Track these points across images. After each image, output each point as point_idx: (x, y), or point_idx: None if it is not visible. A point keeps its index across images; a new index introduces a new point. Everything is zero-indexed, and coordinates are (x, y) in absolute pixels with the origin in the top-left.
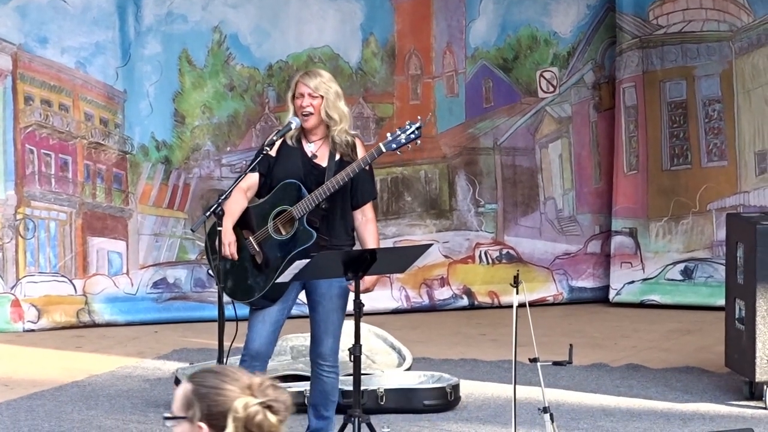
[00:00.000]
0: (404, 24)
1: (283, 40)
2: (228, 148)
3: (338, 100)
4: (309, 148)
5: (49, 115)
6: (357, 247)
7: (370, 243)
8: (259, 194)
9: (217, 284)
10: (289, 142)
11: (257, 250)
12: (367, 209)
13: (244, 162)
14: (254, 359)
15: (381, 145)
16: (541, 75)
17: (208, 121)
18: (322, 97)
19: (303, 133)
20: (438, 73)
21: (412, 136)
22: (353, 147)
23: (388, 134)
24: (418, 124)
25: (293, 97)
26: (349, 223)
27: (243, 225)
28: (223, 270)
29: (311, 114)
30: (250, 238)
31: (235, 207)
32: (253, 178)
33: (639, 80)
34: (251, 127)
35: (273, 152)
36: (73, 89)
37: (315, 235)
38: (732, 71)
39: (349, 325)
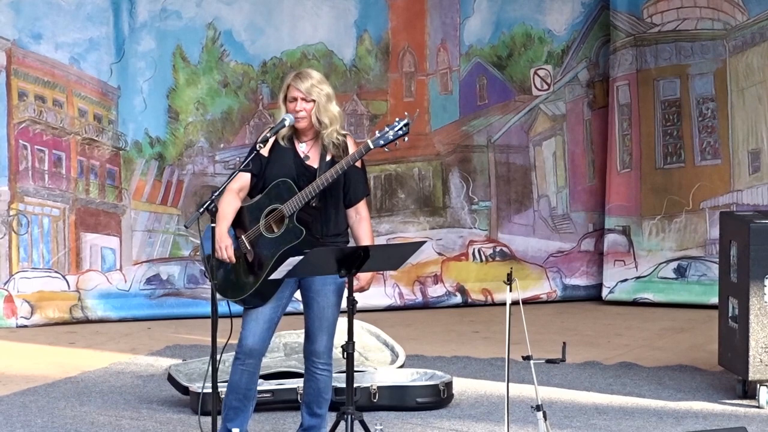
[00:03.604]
0: (398, 21)
1: (277, 37)
2: (222, 145)
3: (329, 103)
4: (301, 149)
5: (42, 110)
6: (351, 244)
7: (365, 241)
8: (250, 194)
9: (210, 281)
10: (281, 142)
11: (249, 248)
12: (361, 207)
13: (238, 159)
14: (248, 356)
15: (369, 141)
16: (536, 73)
17: (201, 117)
18: (314, 101)
19: (294, 132)
20: (432, 71)
21: (400, 132)
22: (345, 147)
23: (377, 131)
24: (405, 121)
25: (285, 99)
26: (341, 221)
27: (236, 224)
28: (216, 268)
29: (303, 117)
30: (242, 236)
31: (228, 209)
32: (245, 179)
33: (633, 78)
34: (245, 124)
35: (265, 152)
36: (67, 85)
37: (304, 232)
38: (726, 70)
39: (342, 322)
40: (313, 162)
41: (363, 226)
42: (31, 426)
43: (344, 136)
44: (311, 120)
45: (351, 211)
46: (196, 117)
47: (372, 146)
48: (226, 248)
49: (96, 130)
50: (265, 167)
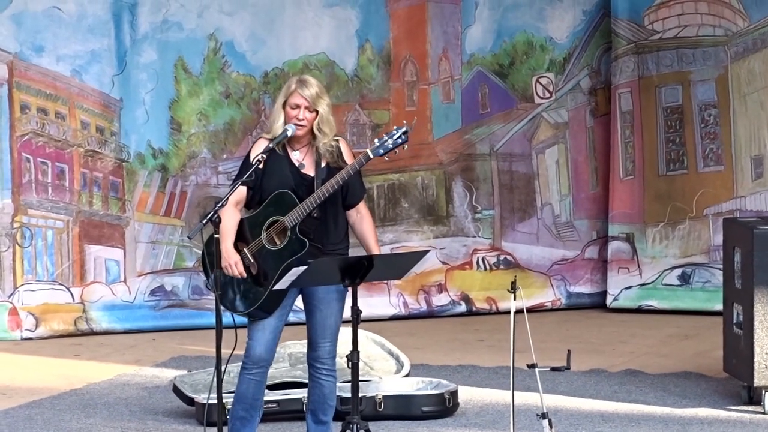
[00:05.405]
0: (400, 30)
1: (279, 47)
2: (224, 156)
3: (330, 114)
4: (295, 156)
5: (45, 123)
6: (353, 249)
7: (369, 237)
8: (247, 206)
9: (214, 292)
10: (276, 149)
11: (252, 261)
12: (360, 206)
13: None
14: (256, 365)
15: (368, 151)
16: (537, 81)
17: (204, 128)
18: (317, 111)
19: (287, 139)
20: (434, 80)
21: (399, 141)
22: (338, 152)
23: (376, 140)
24: (404, 129)
25: (285, 104)
26: (342, 227)
27: (237, 237)
28: (220, 281)
29: (304, 126)
30: (245, 249)
31: (230, 224)
32: (241, 192)
33: (635, 85)
34: (247, 135)
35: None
36: (69, 97)
37: (307, 243)
38: (728, 76)
39: (346, 331)
40: (309, 170)
41: (365, 223)
42: None
43: (337, 140)
44: (310, 128)
45: (352, 212)
46: (199, 128)
47: (371, 155)
48: (235, 264)
49: (98, 142)
50: (261, 178)
